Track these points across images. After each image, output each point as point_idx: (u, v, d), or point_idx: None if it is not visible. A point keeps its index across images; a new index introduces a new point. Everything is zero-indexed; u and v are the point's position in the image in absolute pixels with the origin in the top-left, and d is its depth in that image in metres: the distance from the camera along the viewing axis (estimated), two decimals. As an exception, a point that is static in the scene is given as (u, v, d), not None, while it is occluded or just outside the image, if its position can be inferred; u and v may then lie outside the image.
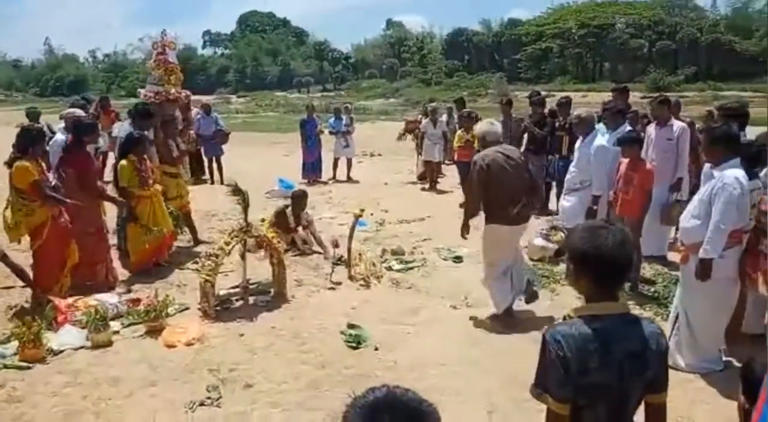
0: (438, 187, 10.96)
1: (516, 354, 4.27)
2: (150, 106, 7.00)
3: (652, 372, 1.74)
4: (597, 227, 1.77)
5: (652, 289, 5.56)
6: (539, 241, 6.46)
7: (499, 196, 4.75)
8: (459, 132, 9.85)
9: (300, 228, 6.86)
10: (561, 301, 5.34)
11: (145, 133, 6.39)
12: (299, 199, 6.91)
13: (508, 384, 3.86)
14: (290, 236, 6.77)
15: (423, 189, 11.08)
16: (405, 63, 71.14)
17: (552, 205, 8.57)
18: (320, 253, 6.71)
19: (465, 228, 5.01)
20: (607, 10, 65.16)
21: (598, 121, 6.74)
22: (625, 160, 5.47)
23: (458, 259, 6.53)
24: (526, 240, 6.65)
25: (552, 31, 65.71)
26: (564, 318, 1.79)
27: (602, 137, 6.03)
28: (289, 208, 6.86)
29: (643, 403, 1.80)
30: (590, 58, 65.45)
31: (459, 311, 5.23)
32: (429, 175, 11.11)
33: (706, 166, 4.30)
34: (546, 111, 8.93)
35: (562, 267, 6.09)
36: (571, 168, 6.20)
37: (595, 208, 5.72)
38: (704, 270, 3.79)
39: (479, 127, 5.25)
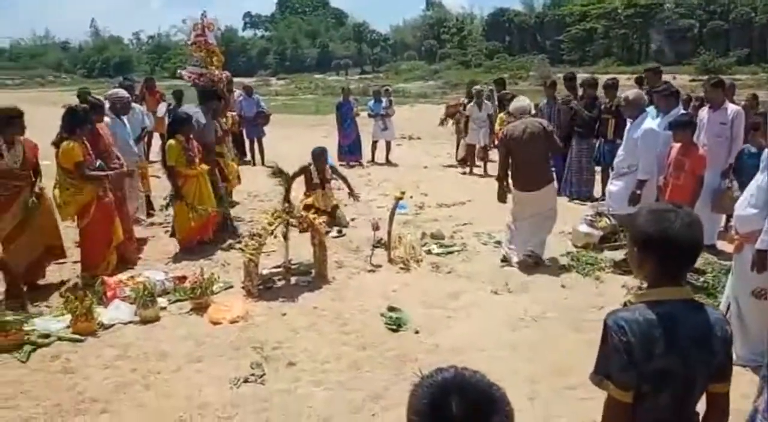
0: (477, 170, 10.80)
1: (558, 342, 4.22)
2: (217, 88, 7.13)
3: (718, 360, 1.68)
4: (663, 210, 1.69)
5: (702, 279, 5.37)
6: (584, 228, 6.32)
7: (514, 165, 5.72)
8: (501, 114, 9.65)
9: (327, 185, 7.24)
10: (605, 289, 5.24)
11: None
12: (319, 156, 7.21)
13: (550, 372, 3.81)
14: (317, 192, 7.20)
15: (463, 173, 10.95)
16: (444, 44, 70.19)
17: (597, 191, 8.39)
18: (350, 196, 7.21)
19: (501, 195, 5.97)
20: (656, -11, 62.77)
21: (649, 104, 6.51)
22: (677, 145, 5.28)
23: (499, 244, 6.44)
24: (570, 226, 6.57)
25: (597, 11, 63.66)
26: (624, 304, 1.74)
27: (652, 120, 5.82)
28: (313, 166, 7.16)
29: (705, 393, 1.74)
30: (636, 40, 63.28)
31: (500, 296, 5.17)
32: (470, 159, 10.94)
33: (766, 150, 4.11)
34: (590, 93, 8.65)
35: (606, 254, 5.97)
36: (620, 151, 6.00)
37: (638, 192, 5.54)
38: (761, 261, 3.63)
39: (512, 105, 6.18)
